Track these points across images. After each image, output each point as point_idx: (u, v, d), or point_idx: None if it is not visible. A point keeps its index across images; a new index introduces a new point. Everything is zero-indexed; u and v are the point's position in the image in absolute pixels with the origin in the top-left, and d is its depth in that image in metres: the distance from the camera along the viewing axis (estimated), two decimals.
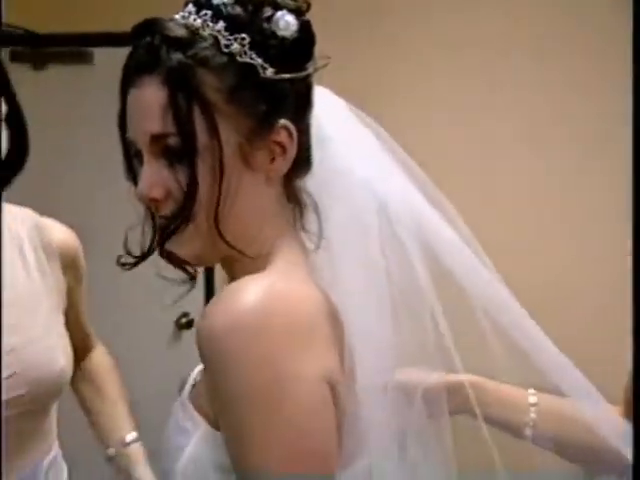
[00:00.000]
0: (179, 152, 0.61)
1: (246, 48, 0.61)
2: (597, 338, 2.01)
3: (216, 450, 0.60)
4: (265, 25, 0.62)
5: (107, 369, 1.13)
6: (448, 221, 0.75)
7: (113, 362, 1.15)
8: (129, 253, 0.65)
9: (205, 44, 0.61)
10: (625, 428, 0.78)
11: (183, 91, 0.60)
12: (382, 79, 2.24)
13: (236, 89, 0.61)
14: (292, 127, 0.63)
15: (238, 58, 0.61)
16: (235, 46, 0.61)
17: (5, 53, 2.38)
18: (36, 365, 0.88)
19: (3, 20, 2.26)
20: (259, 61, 0.61)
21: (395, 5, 2.24)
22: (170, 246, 0.64)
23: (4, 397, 0.85)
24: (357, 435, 0.65)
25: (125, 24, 2.10)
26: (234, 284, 0.59)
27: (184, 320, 2.23)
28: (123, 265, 0.65)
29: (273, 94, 0.63)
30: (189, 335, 2.20)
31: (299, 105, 0.65)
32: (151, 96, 0.61)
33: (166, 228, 0.63)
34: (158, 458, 0.72)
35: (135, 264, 0.65)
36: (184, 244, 0.63)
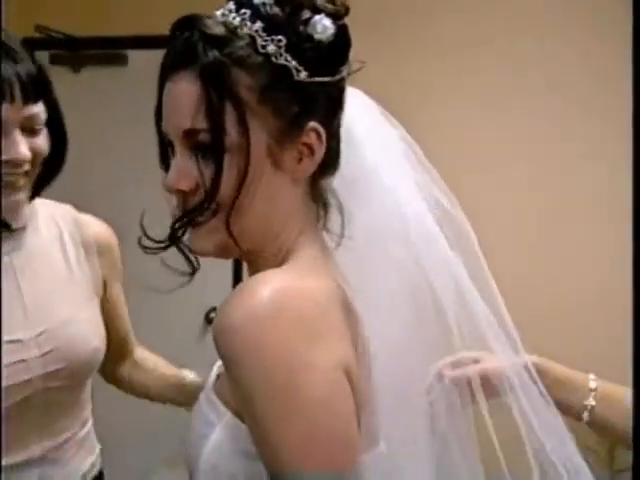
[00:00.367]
0: (209, 148, 0.61)
1: (282, 50, 0.61)
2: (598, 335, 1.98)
3: (240, 439, 0.61)
4: (302, 28, 0.62)
5: (157, 358, 1.18)
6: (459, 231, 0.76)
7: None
8: (147, 235, 0.66)
9: (242, 43, 0.61)
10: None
11: (216, 88, 0.60)
12: (401, 77, 2.23)
13: (269, 90, 0.61)
14: (322, 130, 0.62)
15: (273, 59, 0.61)
16: (271, 47, 0.61)
17: (45, 56, 2.43)
18: (71, 343, 0.95)
19: (39, 24, 2.34)
20: (294, 63, 0.61)
21: (413, 5, 2.24)
22: (192, 238, 0.64)
23: (45, 370, 0.92)
24: (376, 422, 0.65)
25: (158, 27, 2.11)
26: (249, 280, 0.60)
27: (213, 314, 2.27)
28: (144, 248, 0.66)
29: (305, 96, 0.62)
30: None
31: (330, 108, 0.65)
32: (185, 91, 0.61)
33: (186, 220, 0.63)
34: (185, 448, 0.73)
35: (159, 249, 0.66)
36: (206, 237, 0.64)
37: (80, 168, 1.98)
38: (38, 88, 0.91)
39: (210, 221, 0.62)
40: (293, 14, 0.62)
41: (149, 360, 1.17)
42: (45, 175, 0.96)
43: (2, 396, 0.87)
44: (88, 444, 1.05)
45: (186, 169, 0.62)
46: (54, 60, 2.45)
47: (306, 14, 0.61)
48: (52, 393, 0.94)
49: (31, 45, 2.37)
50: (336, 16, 0.62)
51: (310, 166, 0.63)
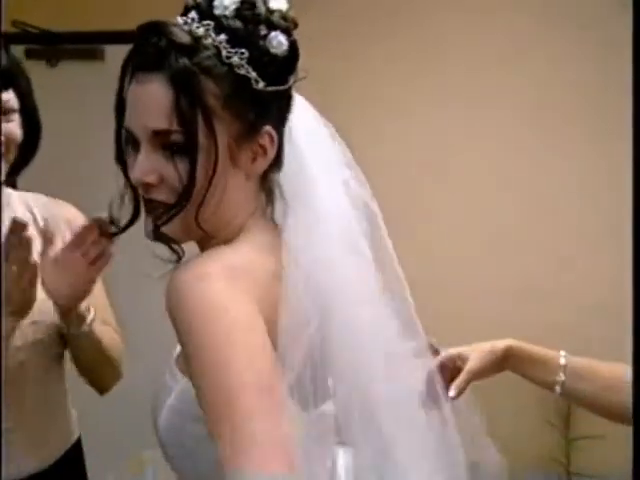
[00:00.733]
0: (181, 147, 0.65)
1: (244, 62, 0.66)
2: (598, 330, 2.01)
3: (193, 403, 0.65)
4: (261, 43, 0.66)
5: (109, 333, 1.16)
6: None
7: (119, 344, 1.17)
8: (113, 221, 0.73)
9: (208, 53, 0.65)
10: None
11: (187, 95, 0.64)
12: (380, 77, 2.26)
13: (231, 97, 0.66)
14: (274, 133, 0.68)
15: (236, 70, 0.65)
16: (235, 59, 0.65)
17: (21, 51, 2.42)
18: (51, 316, 0.99)
19: (16, 19, 2.31)
20: (253, 75, 0.66)
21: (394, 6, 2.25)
22: (163, 227, 0.70)
23: (29, 340, 0.98)
24: (324, 382, 0.70)
25: (134, 22, 2.15)
26: (200, 256, 0.68)
27: None
28: (113, 234, 0.74)
29: (261, 103, 0.68)
30: None
31: (281, 113, 0.71)
32: (155, 94, 0.65)
33: (164, 212, 0.68)
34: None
35: (117, 234, 0.75)
36: (174, 227, 0.69)
37: (55, 159, 1.93)
38: (7, 77, 0.95)
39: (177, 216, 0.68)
40: (253, 29, 0.66)
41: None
42: (20, 160, 1.00)
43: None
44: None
45: (152, 165, 0.66)
46: (30, 54, 2.44)
47: (263, 29, 0.67)
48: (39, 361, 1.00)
49: (7, 39, 2.35)
50: (288, 32, 0.68)
51: (263, 164, 0.69)
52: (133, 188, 0.71)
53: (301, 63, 0.72)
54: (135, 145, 0.68)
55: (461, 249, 2.15)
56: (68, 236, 1.07)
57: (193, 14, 0.67)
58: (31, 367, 1.01)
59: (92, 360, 1.09)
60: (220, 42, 0.65)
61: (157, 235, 0.71)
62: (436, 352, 0.97)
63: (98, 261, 0.97)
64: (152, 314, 1.59)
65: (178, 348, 0.79)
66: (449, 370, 0.97)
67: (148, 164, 0.66)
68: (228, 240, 0.71)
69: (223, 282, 0.63)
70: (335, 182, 0.78)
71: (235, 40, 0.65)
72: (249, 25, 0.66)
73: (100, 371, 1.11)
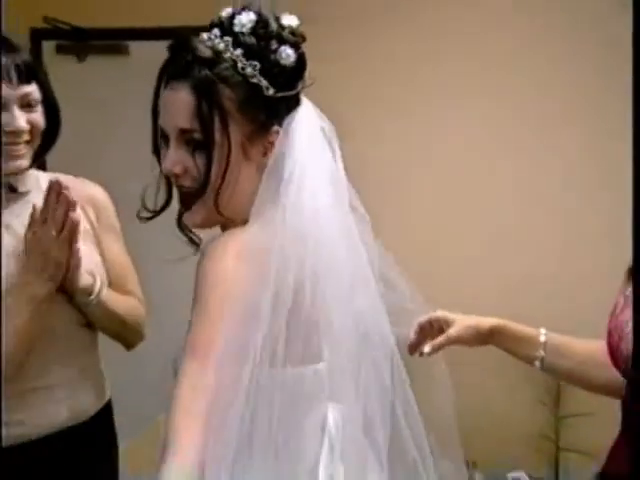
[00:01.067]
0: (200, 144, 0.76)
1: (257, 72, 0.76)
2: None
3: None
4: (272, 56, 0.77)
5: (128, 302, 1.22)
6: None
7: (140, 310, 1.24)
8: (146, 207, 0.83)
9: (227, 65, 0.76)
10: None
11: (207, 100, 0.75)
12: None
13: (245, 102, 0.76)
14: (281, 126, 0.78)
15: (250, 79, 0.76)
16: (249, 70, 0.76)
17: (52, 46, 2.51)
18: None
19: (47, 16, 2.38)
20: (265, 83, 0.76)
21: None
22: (186, 215, 0.81)
23: (58, 306, 1.06)
24: (318, 341, 0.79)
25: (157, 20, 2.19)
26: (218, 238, 0.78)
27: None
28: (141, 218, 0.83)
29: (271, 107, 0.78)
30: None
31: (288, 113, 0.80)
32: (182, 99, 0.76)
33: (188, 199, 0.79)
34: None
35: (151, 218, 0.84)
36: (195, 213, 0.80)
37: (84, 145, 2.07)
38: (30, 72, 1.04)
39: (198, 201, 0.78)
40: (265, 44, 0.77)
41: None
42: (43, 146, 1.09)
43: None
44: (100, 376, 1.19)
45: (179, 158, 0.77)
46: (60, 50, 2.50)
47: (274, 44, 0.77)
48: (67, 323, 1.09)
49: (39, 35, 2.44)
50: (296, 45, 0.78)
51: (271, 155, 0.78)
52: (166, 177, 0.81)
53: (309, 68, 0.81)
54: (166, 141, 0.78)
55: (461, 247, 2.16)
56: (91, 211, 1.16)
57: (216, 31, 0.78)
58: (62, 332, 1.10)
59: (107, 325, 1.17)
60: (237, 56, 0.76)
61: (180, 225, 0.82)
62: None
63: (66, 229, 1.02)
64: (177, 289, 1.69)
65: None
66: (432, 329, 1.05)
67: (175, 157, 0.77)
68: (244, 223, 0.79)
69: (230, 261, 0.74)
70: (327, 184, 0.84)
71: (249, 54, 0.76)
72: (262, 41, 0.77)
73: (118, 333, 1.19)
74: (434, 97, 2.24)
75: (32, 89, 1.05)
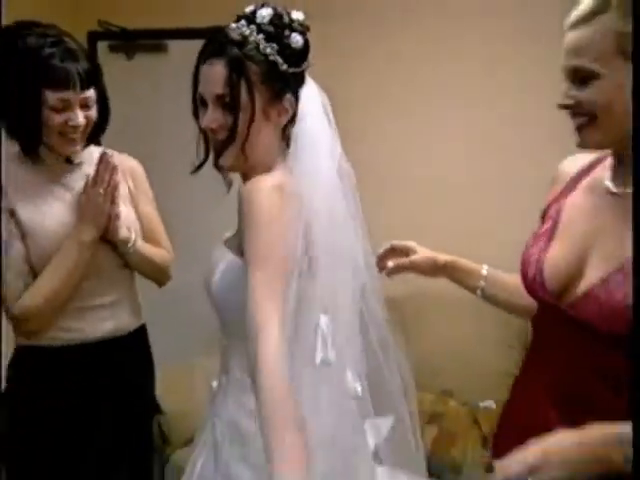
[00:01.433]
0: (231, 106, 0.93)
1: (274, 52, 0.94)
2: None
3: (237, 269, 0.94)
4: (285, 40, 0.94)
5: (158, 251, 1.44)
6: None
7: (167, 256, 1.48)
8: (200, 166, 1.01)
9: (251, 46, 0.92)
10: None
11: (237, 73, 0.92)
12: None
13: (266, 75, 0.94)
14: (292, 98, 0.96)
15: (269, 57, 0.93)
16: (268, 50, 0.93)
17: (105, 46, 2.73)
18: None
19: (101, 20, 2.61)
20: (280, 61, 0.94)
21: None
22: (221, 159, 0.97)
23: (101, 248, 1.29)
24: (321, 292, 0.95)
25: (192, 22, 2.45)
26: (256, 177, 0.92)
27: None
28: (193, 171, 1.01)
29: (284, 80, 0.95)
30: None
31: (297, 85, 0.98)
32: (219, 71, 0.92)
33: (221, 147, 0.95)
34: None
35: (197, 169, 1.01)
36: (226, 157, 0.97)
37: (133, 130, 2.31)
38: (90, 79, 1.24)
39: (229, 149, 0.95)
40: (280, 31, 0.94)
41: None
42: (95, 131, 1.32)
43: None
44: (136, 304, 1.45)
45: (215, 117, 0.94)
46: (112, 49, 2.72)
47: (287, 32, 0.95)
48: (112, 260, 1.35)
49: (94, 37, 2.75)
50: (303, 33, 0.97)
51: (285, 119, 0.97)
52: (204, 133, 0.99)
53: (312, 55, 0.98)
54: (204, 105, 0.96)
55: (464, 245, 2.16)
56: (130, 180, 1.41)
57: (243, 21, 0.95)
58: (108, 270, 1.36)
59: (141, 268, 1.43)
60: (259, 40, 0.93)
61: (218, 166, 0.99)
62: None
63: (109, 188, 1.28)
64: (195, 240, 1.92)
65: (224, 236, 1.07)
66: (400, 253, 1.19)
67: (212, 116, 0.94)
68: (264, 172, 0.95)
69: (274, 193, 0.88)
70: (327, 144, 1.02)
71: (269, 38, 0.94)
72: (277, 29, 0.94)
73: (150, 275, 1.46)
74: (434, 96, 2.31)
75: (91, 93, 1.25)
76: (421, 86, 2.38)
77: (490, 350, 0.95)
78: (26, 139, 1.26)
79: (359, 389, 1.02)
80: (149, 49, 2.71)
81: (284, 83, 0.96)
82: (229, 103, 0.93)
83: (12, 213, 1.27)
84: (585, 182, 1.00)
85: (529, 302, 1.04)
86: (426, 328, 2.05)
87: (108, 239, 1.32)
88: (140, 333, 1.46)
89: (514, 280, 1.10)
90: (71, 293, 1.29)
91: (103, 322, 1.36)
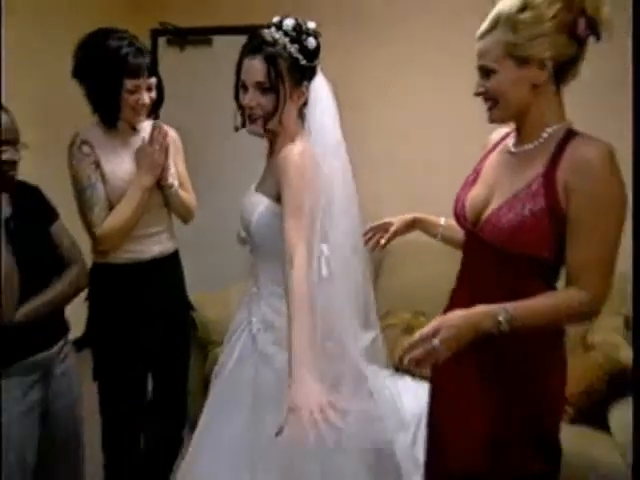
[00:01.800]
0: (267, 89, 1.13)
1: (296, 51, 1.15)
2: None
3: (274, 212, 1.15)
4: (304, 42, 1.16)
5: (187, 195, 1.68)
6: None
7: (193, 201, 1.71)
8: (237, 129, 1.21)
9: (280, 47, 1.14)
10: None
11: (273, 65, 1.12)
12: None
13: (290, 67, 1.15)
14: (308, 85, 1.17)
15: (293, 55, 1.14)
16: (292, 50, 1.15)
17: (164, 40, 3.07)
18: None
19: (161, 21, 2.94)
20: (301, 57, 1.15)
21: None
22: (251, 127, 1.18)
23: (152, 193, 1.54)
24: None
25: (230, 21, 2.90)
26: (289, 146, 1.13)
27: None
28: (235, 131, 1.21)
29: (303, 71, 1.17)
30: None
31: (311, 75, 1.19)
32: (258, 64, 1.13)
33: (255, 120, 1.15)
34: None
35: (238, 129, 1.21)
36: (256, 126, 1.17)
37: (184, 111, 2.57)
38: (152, 69, 1.52)
39: (260, 120, 1.16)
40: (300, 36, 1.16)
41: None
42: (154, 109, 1.59)
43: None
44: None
45: (254, 97, 1.15)
46: (169, 43, 3.06)
47: (304, 36, 1.17)
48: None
49: (156, 33, 3.35)
50: (316, 37, 1.19)
51: (302, 101, 1.19)
52: (242, 110, 1.19)
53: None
54: (245, 89, 1.18)
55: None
56: (172, 145, 1.64)
57: (273, 28, 1.17)
58: (155, 207, 1.62)
59: (176, 207, 1.68)
60: (286, 42, 1.15)
61: (254, 133, 1.19)
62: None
63: (162, 146, 1.55)
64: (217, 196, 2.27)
65: (253, 186, 1.29)
66: (380, 229, 1.38)
67: (252, 97, 1.16)
68: (290, 140, 1.15)
69: (302, 158, 1.09)
70: (332, 122, 1.23)
71: (292, 41, 1.16)
72: (298, 34, 1.16)
73: (181, 213, 1.72)
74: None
75: (153, 80, 1.51)
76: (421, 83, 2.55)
77: (451, 280, 1.09)
78: (108, 113, 1.55)
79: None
80: (197, 43, 2.96)
81: (303, 74, 1.18)
82: (267, 88, 1.15)
83: (97, 164, 1.54)
84: (500, 146, 1.20)
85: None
86: (405, 266, 2.36)
87: (160, 184, 1.60)
88: (176, 255, 1.76)
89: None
90: (135, 223, 1.56)
91: (153, 246, 1.64)
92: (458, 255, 1.22)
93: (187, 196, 1.72)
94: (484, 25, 1.07)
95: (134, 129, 1.61)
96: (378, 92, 2.68)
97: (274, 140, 1.22)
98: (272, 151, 1.25)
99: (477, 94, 1.09)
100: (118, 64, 1.47)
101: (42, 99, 2.47)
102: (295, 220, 1.07)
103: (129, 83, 1.48)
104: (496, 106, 1.08)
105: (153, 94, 1.55)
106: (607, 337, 1.84)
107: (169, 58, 2.85)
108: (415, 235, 1.41)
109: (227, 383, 1.28)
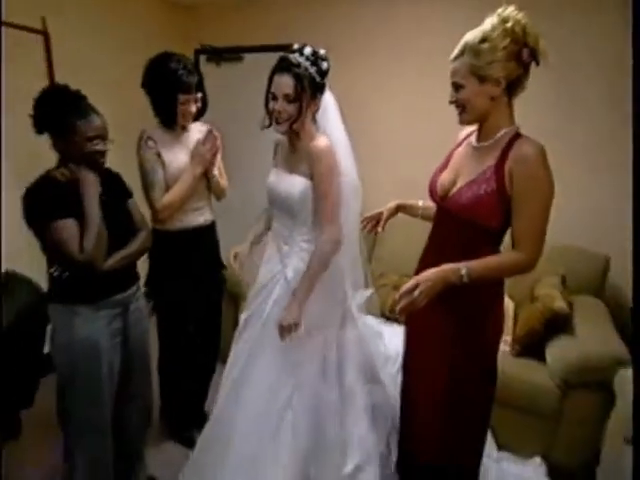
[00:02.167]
0: (293, 100, 1.39)
1: (314, 72, 1.41)
2: None
3: (308, 188, 1.47)
4: (319, 65, 1.43)
5: (221, 178, 1.96)
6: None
7: (226, 184, 2.00)
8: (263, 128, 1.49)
9: (303, 68, 1.40)
10: None
11: (298, 82, 1.39)
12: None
13: (310, 84, 1.41)
14: (320, 96, 1.45)
15: (312, 74, 1.41)
16: (312, 70, 1.42)
17: (204, 58, 3.33)
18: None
19: (202, 43, 3.24)
20: (317, 76, 1.43)
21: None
22: (277, 127, 1.45)
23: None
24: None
25: (258, 41, 3.58)
26: (316, 140, 1.43)
27: None
28: (262, 129, 1.46)
29: (317, 87, 1.44)
30: None
31: (322, 89, 1.46)
32: (286, 80, 1.40)
33: (281, 122, 1.41)
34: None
35: (264, 128, 1.46)
36: (281, 127, 1.44)
37: (220, 120, 2.57)
38: (199, 85, 1.81)
39: (285, 123, 1.43)
40: (317, 62, 1.43)
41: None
42: (199, 114, 1.91)
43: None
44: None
45: (281, 106, 1.41)
46: (208, 60, 3.30)
47: (319, 60, 1.43)
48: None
49: (198, 52, 4.04)
50: (327, 61, 1.46)
51: (315, 109, 1.47)
52: (270, 114, 1.44)
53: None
54: (275, 98, 1.43)
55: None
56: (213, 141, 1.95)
57: (296, 53, 1.43)
58: (202, 189, 1.94)
59: (214, 188, 1.94)
60: (307, 65, 1.41)
61: (280, 132, 1.45)
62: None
63: (213, 147, 1.86)
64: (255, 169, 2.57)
65: (275, 169, 1.61)
66: (373, 218, 1.61)
67: (280, 105, 1.42)
68: (309, 138, 1.42)
69: (329, 151, 1.38)
70: (338, 124, 1.53)
71: (311, 64, 1.41)
72: (315, 59, 1.42)
73: (217, 193, 2.00)
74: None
75: (199, 95, 1.82)
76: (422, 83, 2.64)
77: None
78: (166, 118, 1.87)
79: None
80: (230, 60, 3.20)
81: (317, 89, 1.45)
82: (291, 99, 1.40)
83: (158, 155, 1.84)
84: (466, 141, 1.40)
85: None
86: (394, 239, 2.66)
87: (206, 174, 1.95)
88: (213, 224, 2.08)
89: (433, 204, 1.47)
90: (186, 200, 1.88)
91: (198, 217, 1.96)
92: (428, 226, 1.44)
93: (222, 181, 2.05)
94: (455, 51, 1.28)
95: (185, 129, 1.96)
96: (375, 93, 2.84)
97: (295, 137, 1.51)
98: (293, 145, 1.54)
99: (450, 102, 1.31)
100: (175, 83, 1.80)
101: (122, 109, 2.75)
102: (325, 201, 1.42)
103: (182, 97, 1.82)
104: (464, 112, 1.28)
105: (198, 104, 1.90)
106: (547, 291, 2.16)
107: (208, 72, 3.12)
108: (402, 215, 1.68)
109: (266, 321, 1.57)
